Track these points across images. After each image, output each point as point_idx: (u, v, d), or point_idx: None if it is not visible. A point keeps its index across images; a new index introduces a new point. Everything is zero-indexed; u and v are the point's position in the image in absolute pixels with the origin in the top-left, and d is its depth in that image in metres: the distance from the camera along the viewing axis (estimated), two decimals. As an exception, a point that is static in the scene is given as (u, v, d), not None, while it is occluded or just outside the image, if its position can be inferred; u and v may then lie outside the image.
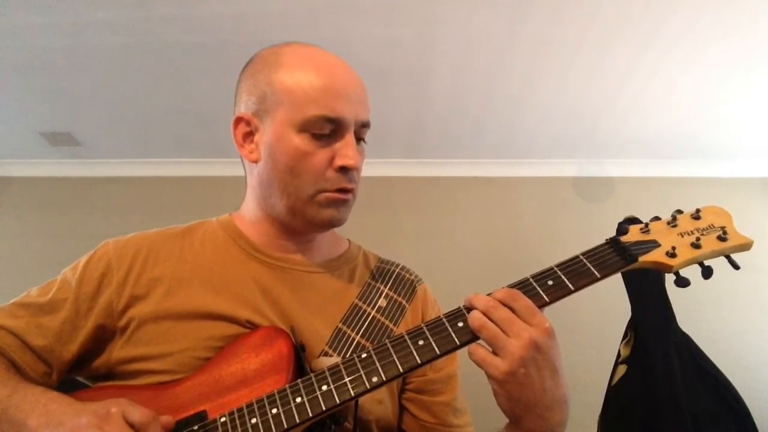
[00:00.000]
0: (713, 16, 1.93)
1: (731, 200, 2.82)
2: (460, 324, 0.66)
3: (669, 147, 2.86)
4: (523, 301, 0.64)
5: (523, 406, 0.61)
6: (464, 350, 0.71)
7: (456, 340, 0.65)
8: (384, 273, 0.92)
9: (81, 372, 0.81)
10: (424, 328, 0.67)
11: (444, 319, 0.67)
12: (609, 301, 1.90)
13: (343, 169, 0.78)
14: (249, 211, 0.88)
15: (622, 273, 1.72)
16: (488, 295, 0.66)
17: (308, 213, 0.80)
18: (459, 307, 0.68)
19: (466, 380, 0.91)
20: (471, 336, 0.65)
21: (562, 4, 1.91)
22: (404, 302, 0.88)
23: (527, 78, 2.33)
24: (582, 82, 2.34)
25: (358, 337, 0.81)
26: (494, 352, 0.62)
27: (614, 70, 2.26)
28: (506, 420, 0.67)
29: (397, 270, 0.93)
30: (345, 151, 0.77)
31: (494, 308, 0.64)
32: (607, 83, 2.35)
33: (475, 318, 0.63)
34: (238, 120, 0.82)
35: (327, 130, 0.77)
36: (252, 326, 0.77)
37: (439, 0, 1.90)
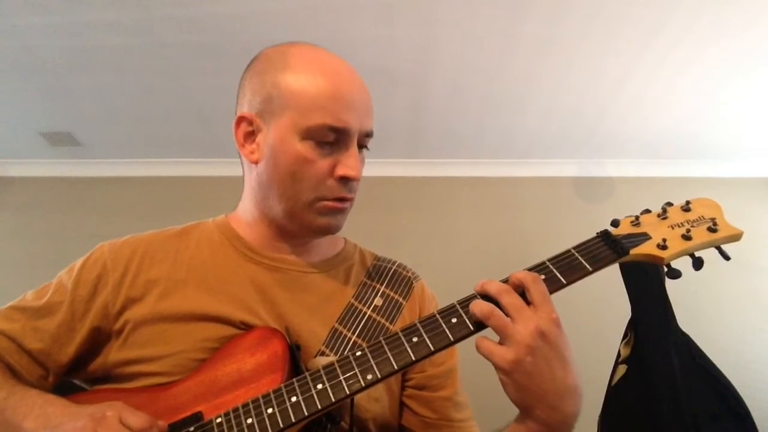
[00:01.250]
0: (713, 16, 1.93)
1: (731, 200, 2.81)
2: (454, 320, 0.66)
3: (669, 147, 2.86)
4: (539, 288, 0.64)
5: (533, 395, 0.61)
6: (466, 348, 0.71)
7: (450, 336, 0.65)
8: (380, 271, 0.91)
9: (77, 375, 0.81)
10: (418, 325, 0.67)
11: (438, 316, 0.67)
12: (609, 301, 1.90)
13: (344, 179, 0.78)
14: (246, 212, 0.88)
15: (621, 273, 1.71)
16: (506, 278, 0.66)
17: (305, 219, 0.80)
18: (473, 293, 0.67)
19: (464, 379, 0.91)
20: (465, 332, 0.65)
21: (562, 4, 1.91)
22: (401, 300, 0.88)
23: (527, 78, 2.33)
24: (582, 82, 2.34)
25: (354, 337, 0.81)
26: (501, 341, 0.62)
27: (614, 70, 2.26)
28: (501, 419, 0.67)
29: (394, 267, 0.93)
30: (348, 161, 0.77)
31: (505, 293, 0.63)
32: (607, 83, 2.35)
33: (483, 306, 0.63)
34: (241, 119, 0.82)
35: (331, 138, 0.76)
36: (246, 327, 0.77)
37: (439, 0, 1.90)
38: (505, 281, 0.66)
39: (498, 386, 0.63)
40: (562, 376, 0.61)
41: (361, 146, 0.82)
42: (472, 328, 0.65)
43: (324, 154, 0.77)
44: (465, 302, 0.67)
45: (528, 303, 0.63)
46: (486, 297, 0.66)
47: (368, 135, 0.81)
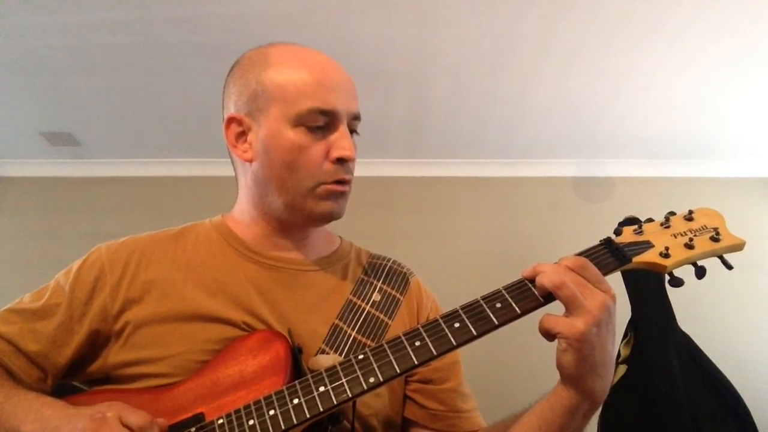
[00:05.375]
0: (713, 16, 1.93)
1: (731, 200, 2.82)
2: (457, 324, 0.66)
3: (669, 147, 2.86)
4: (593, 270, 0.65)
5: (590, 365, 0.62)
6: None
7: (452, 340, 0.65)
8: (376, 268, 0.92)
9: (76, 377, 0.81)
10: (421, 329, 0.67)
11: (440, 320, 0.67)
12: (609, 301, 1.89)
13: (340, 161, 0.79)
14: (243, 212, 0.88)
15: (622, 274, 1.72)
16: (555, 263, 0.67)
17: (307, 207, 0.80)
18: (521, 279, 0.68)
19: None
20: (467, 336, 0.65)
21: (562, 4, 1.91)
22: (398, 295, 0.89)
23: (527, 78, 2.33)
24: (582, 82, 2.34)
25: (354, 333, 0.81)
26: (567, 313, 0.63)
27: (614, 70, 2.26)
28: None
29: (389, 264, 0.94)
30: (341, 142, 0.78)
31: (566, 272, 0.64)
32: (607, 83, 2.35)
33: (555, 277, 0.63)
34: (230, 120, 0.82)
35: (321, 122, 0.78)
36: (249, 328, 0.77)
37: (438, 0, 1.90)
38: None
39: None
40: (611, 349, 0.64)
41: (352, 131, 0.83)
42: (474, 332, 0.65)
43: (316, 139, 0.78)
44: (467, 307, 0.67)
45: None
46: (517, 288, 0.66)
47: (356, 117, 0.83)
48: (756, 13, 1.91)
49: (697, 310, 2.19)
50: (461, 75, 2.32)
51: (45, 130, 2.81)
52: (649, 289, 1.71)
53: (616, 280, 1.64)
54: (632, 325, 1.73)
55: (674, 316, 1.69)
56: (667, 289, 1.70)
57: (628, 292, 1.72)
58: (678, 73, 2.26)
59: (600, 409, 1.67)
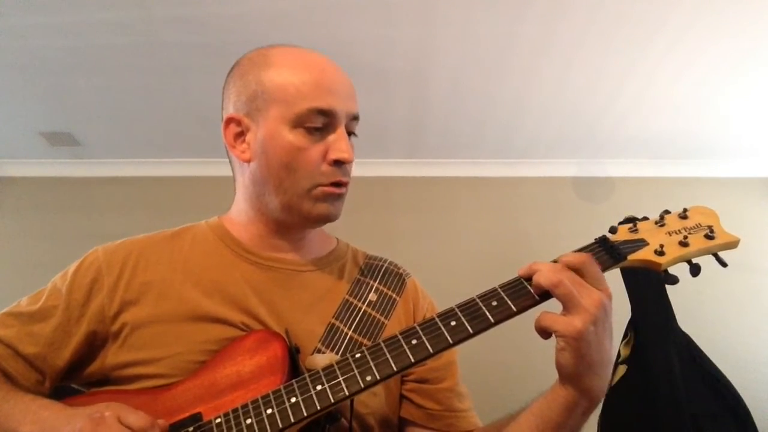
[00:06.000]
0: (713, 16, 1.93)
1: (731, 200, 2.82)
2: (453, 323, 0.66)
3: (669, 147, 2.86)
4: (593, 268, 0.65)
5: (587, 363, 0.62)
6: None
7: (449, 338, 0.65)
8: (373, 268, 0.93)
9: (75, 379, 0.81)
10: (417, 327, 0.67)
11: (437, 319, 0.67)
12: (609, 302, 1.89)
13: (338, 163, 0.79)
14: (240, 213, 0.88)
15: (622, 273, 1.71)
16: (555, 260, 0.67)
17: (304, 208, 0.80)
18: (517, 277, 0.68)
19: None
20: (463, 334, 0.65)
21: (562, 4, 1.90)
22: (395, 295, 0.89)
23: (527, 78, 2.33)
24: (582, 82, 2.34)
25: (350, 332, 0.81)
26: (564, 312, 0.63)
27: (614, 70, 2.26)
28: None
29: (386, 265, 0.94)
30: (338, 144, 0.79)
31: (563, 270, 0.64)
32: (607, 83, 2.35)
33: (553, 273, 0.63)
34: (229, 120, 0.83)
35: (320, 123, 0.78)
36: (246, 329, 0.77)
37: (438, 0, 1.90)
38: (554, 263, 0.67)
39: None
40: (608, 347, 0.64)
41: (350, 132, 0.83)
42: (470, 330, 0.65)
43: (315, 141, 0.78)
44: (463, 305, 0.68)
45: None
46: (513, 287, 0.67)
47: (355, 118, 0.83)
48: (756, 13, 1.91)
49: (697, 310, 2.19)
50: (461, 75, 2.32)
51: (45, 130, 2.81)
52: (650, 289, 1.71)
53: (616, 280, 1.64)
54: (632, 325, 1.73)
55: (674, 316, 1.69)
56: (668, 290, 1.70)
57: (628, 292, 1.72)
58: (678, 73, 2.26)
59: (600, 408, 1.66)
